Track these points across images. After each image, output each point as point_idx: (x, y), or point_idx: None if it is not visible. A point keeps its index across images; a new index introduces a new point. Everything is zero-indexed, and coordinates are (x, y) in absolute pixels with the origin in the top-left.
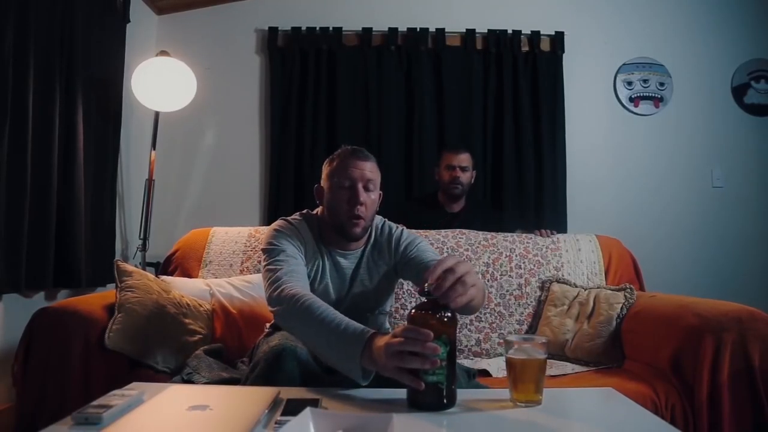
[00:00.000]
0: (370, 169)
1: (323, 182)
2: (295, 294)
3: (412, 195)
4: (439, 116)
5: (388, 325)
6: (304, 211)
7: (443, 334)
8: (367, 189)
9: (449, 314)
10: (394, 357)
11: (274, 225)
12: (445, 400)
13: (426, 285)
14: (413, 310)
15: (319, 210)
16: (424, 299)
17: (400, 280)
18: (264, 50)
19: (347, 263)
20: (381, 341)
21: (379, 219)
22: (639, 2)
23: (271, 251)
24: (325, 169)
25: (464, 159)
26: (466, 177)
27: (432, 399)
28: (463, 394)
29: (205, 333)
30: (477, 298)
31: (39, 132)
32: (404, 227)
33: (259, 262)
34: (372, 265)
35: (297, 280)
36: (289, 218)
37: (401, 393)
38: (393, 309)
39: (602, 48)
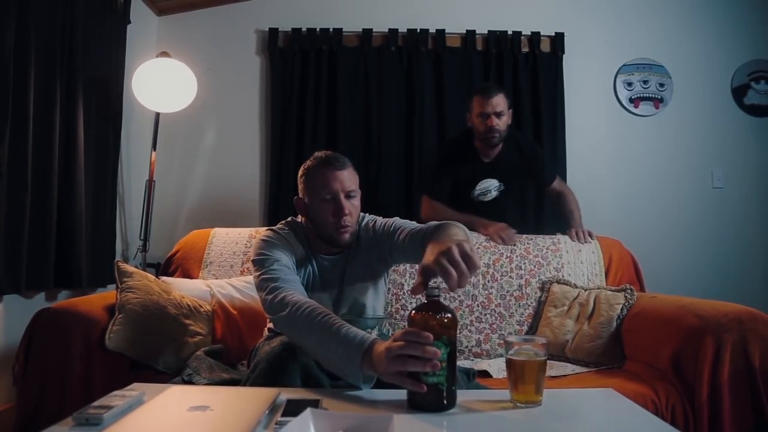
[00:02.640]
0: (348, 178)
1: (302, 194)
2: (297, 301)
3: (412, 194)
4: (439, 117)
5: (387, 327)
6: (289, 220)
7: (444, 335)
8: (349, 197)
9: (449, 315)
10: (395, 360)
11: (262, 236)
12: (445, 401)
13: (430, 284)
14: (413, 311)
15: (302, 218)
16: (424, 300)
17: (400, 282)
18: (264, 51)
19: (337, 267)
20: (381, 346)
21: (363, 225)
22: (639, 3)
23: (263, 261)
24: (302, 182)
25: (499, 102)
26: (503, 123)
27: (432, 400)
28: (463, 395)
29: (205, 334)
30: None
31: (39, 133)
32: (382, 219)
33: None
34: (360, 263)
35: (295, 287)
36: (275, 228)
37: (401, 394)
38: (394, 310)
39: (602, 49)
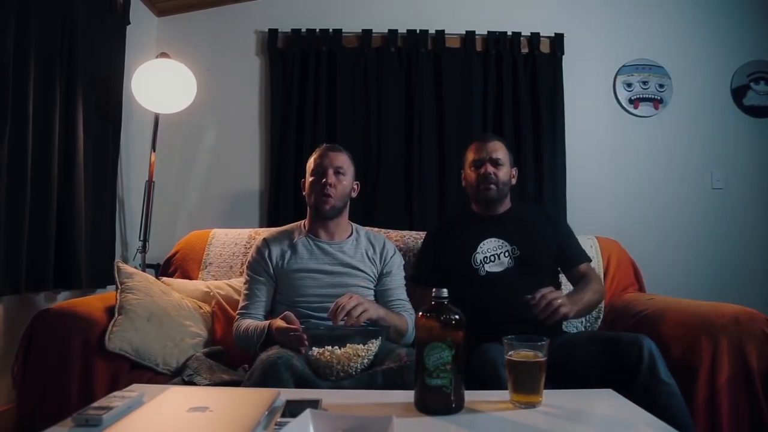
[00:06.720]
0: (339, 158)
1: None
2: (239, 326)
3: (411, 195)
4: (438, 117)
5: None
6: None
7: (448, 337)
8: (337, 173)
9: (455, 317)
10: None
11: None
12: (453, 405)
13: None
14: (419, 313)
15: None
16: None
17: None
18: (264, 52)
19: (332, 248)
20: (274, 326)
21: (374, 233)
22: (638, 4)
23: (245, 286)
24: (307, 167)
25: (496, 148)
26: (502, 173)
27: (438, 402)
28: None
29: (205, 335)
30: None
31: (39, 134)
32: (397, 252)
33: None
34: (354, 258)
35: (250, 307)
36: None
37: (401, 395)
38: None
39: (602, 50)
